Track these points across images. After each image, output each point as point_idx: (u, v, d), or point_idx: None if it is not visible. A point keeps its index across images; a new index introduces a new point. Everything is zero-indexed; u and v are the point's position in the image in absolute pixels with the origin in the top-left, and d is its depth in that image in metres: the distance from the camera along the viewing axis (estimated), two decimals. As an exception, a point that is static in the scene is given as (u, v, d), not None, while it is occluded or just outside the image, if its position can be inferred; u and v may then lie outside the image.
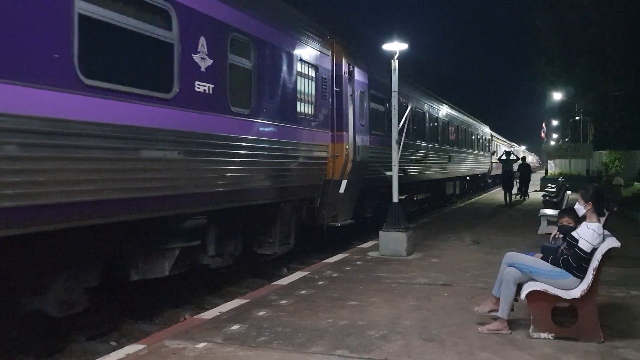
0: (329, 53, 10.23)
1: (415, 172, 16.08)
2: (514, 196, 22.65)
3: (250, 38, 7.56)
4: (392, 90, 9.98)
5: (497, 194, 26.70)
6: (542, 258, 5.28)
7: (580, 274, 4.93)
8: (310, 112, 9.49)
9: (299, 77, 9.01)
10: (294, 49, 8.82)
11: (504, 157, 23.21)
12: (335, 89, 10.34)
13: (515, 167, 23.93)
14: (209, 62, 6.62)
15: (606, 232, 5.10)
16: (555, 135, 68.78)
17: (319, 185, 9.87)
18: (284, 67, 8.52)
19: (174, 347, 4.75)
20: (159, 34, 5.87)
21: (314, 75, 9.64)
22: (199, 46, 6.45)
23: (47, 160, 4.58)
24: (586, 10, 27.59)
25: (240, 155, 7.31)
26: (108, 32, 5.28)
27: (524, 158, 25.61)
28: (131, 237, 6.09)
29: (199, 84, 6.43)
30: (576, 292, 4.89)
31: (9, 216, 4.31)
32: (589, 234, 4.94)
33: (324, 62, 9.98)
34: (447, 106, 22.53)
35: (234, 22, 7.12)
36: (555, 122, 60.96)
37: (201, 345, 4.79)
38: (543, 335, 4.97)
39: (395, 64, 9.94)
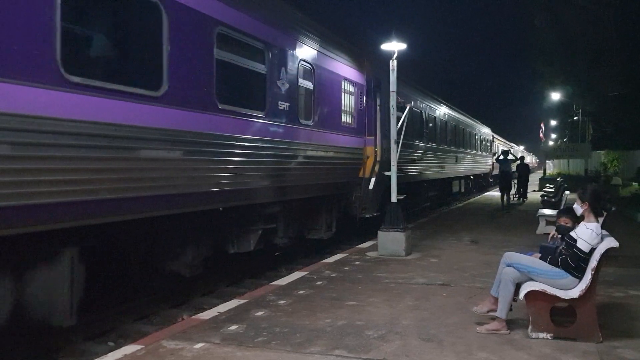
0: (364, 71, 11.99)
1: (429, 172, 18.04)
2: (511, 197, 21.72)
3: (313, 65, 9.52)
4: (391, 90, 9.97)
5: (495, 194, 26.71)
6: (540, 258, 5.28)
7: (578, 274, 4.93)
8: (349, 121, 11.28)
9: (343, 94, 10.89)
10: (341, 71, 10.83)
11: (501, 157, 21.60)
12: (367, 100, 12.04)
13: (514, 167, 22.64)
14: (287, 86, 8.56)
15: (604, 232, 5.09)
16: (553, 135, 68.77)
17: (356, 182, 11.61)
18: (335, 86, 10.50)
19: (171, 347, 4.74)
20: (259, 68, 7.88)
21: (353, 90, 11.45)
22: (281, 74, 8.40)
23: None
24: (585, 10, 27.62)
25: (304, 157, 9.13)
26: (233, 69, 7.36)
27: (522, 158, 24.14)
28: (231, 221, 7.82)
29: (280, 103, 8.37)
30: (575, 292, 4.88)
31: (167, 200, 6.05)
32: (587, 233, 4.94)
33: (360, 78, 11.83)
34: (454, 111, 23.90)
35: (303, 55, 9.18)
36: (553, 122, 60.92)
37: (199, 345, 4.78)
38: (542, 335, 4.97)
39: (393, 64, 9.94)
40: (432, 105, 19.13)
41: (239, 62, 7.44)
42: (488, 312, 5.36)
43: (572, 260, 4.94)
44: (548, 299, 4.96)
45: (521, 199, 23.01)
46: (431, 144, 18.40)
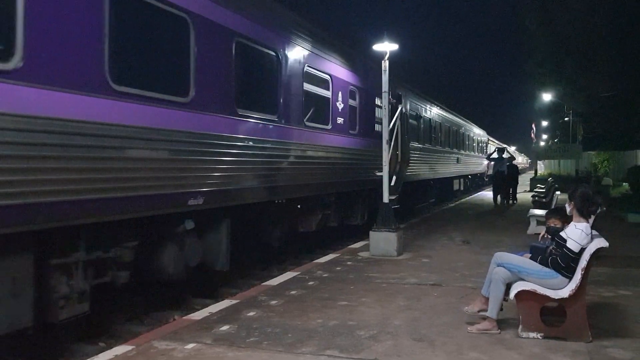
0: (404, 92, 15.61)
1: (437, 171, 20.83)
2: (505, 201, 20.79)
3: (357, 88, 12.03)
4: (383, 90, 10.01)
5: (487, 194, 26.80)
6: (531, 258, 5.30)
7: (568, 273, 4.96)
8: (380, 130, 12.51)
9: (376, 108, 13.16)
10: (376, 90, 12.68)
11: (495, 156, 20.36)
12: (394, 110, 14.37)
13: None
14: (342, 105, 11.02)
15: (594, 232, 5.12)
16: (545, 136, 69.05)
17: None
18: (371, 102, 12.96)
19: (162, 348, 4.73)
20: (326, 93, 10.39)
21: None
22: (339, 97, 10.86)
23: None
24: (576, 12, 27.77)
25: (350, 159, 11.51)
26: (312, 96, 9.83)
27: (511, 158, 22.15)
28: (302, 207, 10.26)
29: (338, 119, 10.85)
30: (565, 292, 4.91)
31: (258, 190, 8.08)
32: (577, 234, 4.97)
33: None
34: (456, 117, 26.84)
35: (353, 81, 11.83)
36: (545, 123, 61.16)
37: (190, 346, 4.77)
38: (532, 334, 4.99)
39: (385, 64, 9.98)
40: (440, 113, 22.17)
41: (317, 91, 10.10)
42: (479, 311, 5.38)
43: (562, 260, 4.97)
44: (538, 298, 4.99)
45: (511, 201, 22.12)
46: (438, 147, 21.15)
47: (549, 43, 32.08)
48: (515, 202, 22.13)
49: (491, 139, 41.95)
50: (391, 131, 10.43)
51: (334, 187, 10.82)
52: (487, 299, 5.25)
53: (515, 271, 5.14)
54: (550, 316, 5.18)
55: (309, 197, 10.03)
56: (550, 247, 5.25)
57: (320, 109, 10.21)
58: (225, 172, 7.10)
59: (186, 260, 6.85)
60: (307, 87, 9.49)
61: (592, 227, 5.18)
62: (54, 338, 5.84)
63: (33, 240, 4.72)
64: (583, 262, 4.89)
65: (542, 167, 51.59)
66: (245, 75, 7.74)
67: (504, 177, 20.02)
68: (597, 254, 4.97)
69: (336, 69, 10.76)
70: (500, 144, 49.01)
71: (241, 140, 7.49)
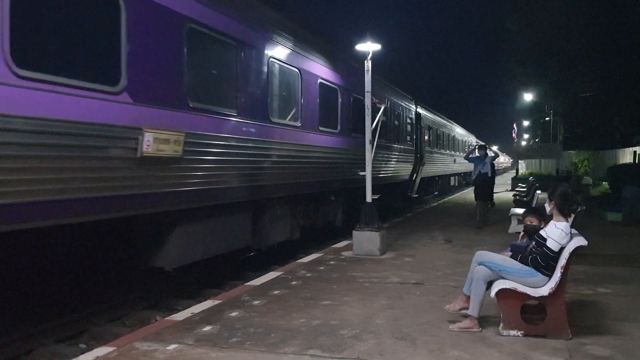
0: (413, 106, 21.05)
1: (440, 170, 27.02)
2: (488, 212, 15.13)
3: (397, 106, 17.76)
4: (366, 90, 10.02)
5: (469, 194, 26.97)
6: (511, 256, 5.35)
7: (548, 272, 5.01)
8: (409, 139, 19.74)
9: (408, 121, 19.52)
10: (408, 108, 19.98)
11: (475, 155, 15.20)
12: (415, 125, 21.03)
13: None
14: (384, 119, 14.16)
15: (574, 231, 5.18)
16: (526, 136, 69.73)
17: (409, 176, 19.96)
18: (402, 117, 18.62)
19: (144, 349, 4.70)
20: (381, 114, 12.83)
21: (413, 117, 20.78)
22: (382, 117, 12.25)
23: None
24: (556, 13, 28.08)
25: (393, 161, 16.82)
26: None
27: (495, 156, 16.37)
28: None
29: (382, 131, 13.64)
30: (544, 290, 4.97)
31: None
32: (557, 233, 5.02)
33: (411, 112, 20.56)
34: (453, 124, 33.15)
35: (393, 103, 17.34)
36: (526, 123, 61.76)
37: (172, 346, 4.74)
38: (512, 332, 5.04)
39: (368, 64, 10.00)
40: (443, 122, 28.84)
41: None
42: (460, 310, 5.43)
43: (542, 259, 5.03)
44: (519, 296, 5.04)
45: (489, 205, 16.68)
46: (442, 150, 27.44)
47: (530, 43, 32.42)
48: (493, 205, 17.70)
49: (479, 141, 42.85)
50: (374, 131, 10.43)
51: (381, 180, 14.50)
52: (469, 297, 5.29)
53: (496, 269, 5.19)
54: (530, 314, 5.24)
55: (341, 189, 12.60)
56: (530, 246, 5.30)
57: (360, 122, 11.18)
58: None
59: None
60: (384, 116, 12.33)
61: (572, 226, 5.25)
62: (34, 339, 5.78)
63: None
64: (562, 261, 4.95)
65: (523, 167, 51.98)
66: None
67: (487, 180, 14.76)
68: (577, 253, 5.03)
69: (381, 97, 13.39)
70: (485, 144, 49.22)
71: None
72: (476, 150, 15.39)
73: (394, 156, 16.94)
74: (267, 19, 9.04)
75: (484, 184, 14.53)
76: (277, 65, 9.23)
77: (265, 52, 8.74)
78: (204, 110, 7.08)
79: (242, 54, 8.02)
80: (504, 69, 43.10)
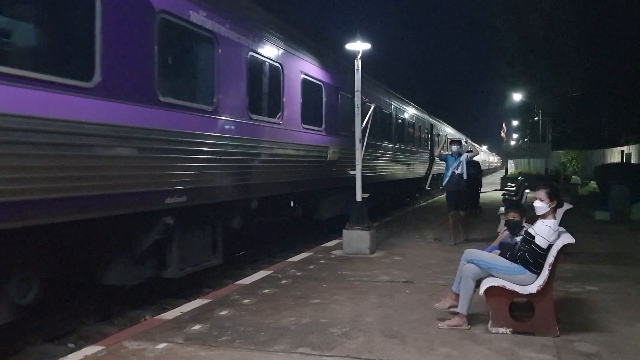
0: (428, 116, 25.92)
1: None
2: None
3: (417, 120, 22.92)
4: (356, 89, 10.04)
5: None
6: (500, 254, 5.39)
7: (536, 269, 5.05)
8: (425, 143, 24.44)
9: (426, 129, 24.95)
10: (425, 120, 25.07)
11: (446, 152, 12.01)
12: (431, 131, 26.47)
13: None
14: (408, 128, 20.58)
15: (561, 229, 5.23)
16: (515, 135, 70.16)
17: (424, 172, 24.77)
18: (423, 127, 24.24)
19: (133, 348, 4.68)
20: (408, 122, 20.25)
21: (429, 126, 26.06)
22: (406, 124, 19.98)
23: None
24: (545, 13, 28.27)
25: (412, 161, 21.63)
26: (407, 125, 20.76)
27: (473, 153, 12.56)
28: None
29: (405, 137, 20.01)
30: (533, 288, 5.00)
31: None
32: (545, 230, 5.06)
33: (426, 122, 25.31)
34: (452, 129, 35.66)
35: (414, 116, 22.03)
36: (515, 122, 62.16)
37: (161, 345, 4.73)
38: (501, 330, 5.07)
39: (358, 63, 10.02)
40: (444, 128, 31.81)
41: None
42: (449, 308, 5.45)
43: (530, 257, 5.06)
44: (507, 294, 5.07)
45: (475, 211, 15.92)
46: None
47: (519, 44, 32.61)
48: (480, 212, 16.62)
49: (470, 142, 42.95)
50: (364, 130, 10.43)
51: (402, 178, 19.16)
52: (458, 295, 5.32)
53: (485, 267, 5.22)
54: (519, 311, 5.28)
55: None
56: (519, 244, 5.34)
57: (387, 127, 15.48)
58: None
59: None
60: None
61: (560, 224, 5.29)
62: (22, 339, 5.74)
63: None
64: (550, 258, 4.98)
65: (512, 166, 52.37)
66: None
67: (463, 184, 11.03)
68: (565, 251, 5.07)
69: (404, 111, 16.90)
70: (477, 146, 46.48)
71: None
72: (450, 146, 11.59)
73: (413, 158, 22.34)
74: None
75: (459, 188, 11.00)
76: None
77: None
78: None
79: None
80: (493, 68, 43.42)
